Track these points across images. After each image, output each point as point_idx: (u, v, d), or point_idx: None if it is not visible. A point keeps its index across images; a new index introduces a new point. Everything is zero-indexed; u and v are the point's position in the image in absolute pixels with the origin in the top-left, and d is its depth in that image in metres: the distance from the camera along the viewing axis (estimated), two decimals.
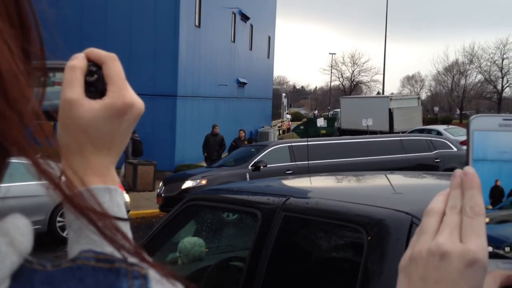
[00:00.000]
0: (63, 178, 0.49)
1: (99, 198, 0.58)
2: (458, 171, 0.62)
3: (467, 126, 0.67)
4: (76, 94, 0.62)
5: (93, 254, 0.47)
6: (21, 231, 0.44)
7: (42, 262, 0.45)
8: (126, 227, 0.60)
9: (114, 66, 0.65)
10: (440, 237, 0.59)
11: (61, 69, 0.64)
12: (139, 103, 0.65)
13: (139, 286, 0.45)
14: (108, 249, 0.52)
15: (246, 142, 17.14)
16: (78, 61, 0.64)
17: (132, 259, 0.49)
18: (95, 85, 0.64)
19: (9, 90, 0.42)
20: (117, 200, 0.64)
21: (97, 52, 0.65)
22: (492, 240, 0.65)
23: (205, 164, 15.87)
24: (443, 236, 0.59)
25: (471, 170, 0.62)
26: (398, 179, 3.72)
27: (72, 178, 0.53)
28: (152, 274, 0.47)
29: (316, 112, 68.98)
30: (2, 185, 0.46)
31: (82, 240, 0.60)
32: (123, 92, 0.64)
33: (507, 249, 0.66)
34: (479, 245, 0.58)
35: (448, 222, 0.60)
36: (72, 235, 0.62)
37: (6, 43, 0.42)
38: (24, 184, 8.39)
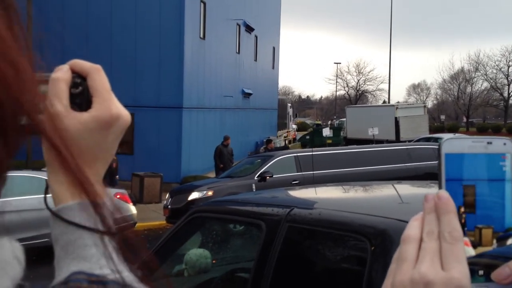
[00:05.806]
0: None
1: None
2: (430, 195, 0.61)
3: (438, 149, 0.67)
4: (62, 107, 0.61)
5: (85, 276, 0.47)
6: (14, 254, 0.44)
7: (35, 286, 0.46)
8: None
9: (99, 78, 0.63)
10: (422, 265, 0.57)
11: (46, 81, 0.62)
12: (125, 114, 0.65)
13: None
14: (101, 268, 0.54)
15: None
16: (62, 73, 0.62)
17: (127, 279, 0.49)
18: (80, 97, 0.63)
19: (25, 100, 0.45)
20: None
21: (81, 64, 0.64)
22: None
23: (211, 175, 15.86)
24: (425, 265, 0.57)
25: (445, 194, 0.61)
26: (404, 189, 3.71)
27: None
28: None
29: (321, 122, 68.80)
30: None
31: (70, 256, 0.58)
32: (109, 104, 0.63)
33: (481, 272, 0.65)
34: (462, 272, 0.57)
35: (428, 249, 0.58)
36: (59, 251, 0.60)
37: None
38: (27, 198, 8.40)
